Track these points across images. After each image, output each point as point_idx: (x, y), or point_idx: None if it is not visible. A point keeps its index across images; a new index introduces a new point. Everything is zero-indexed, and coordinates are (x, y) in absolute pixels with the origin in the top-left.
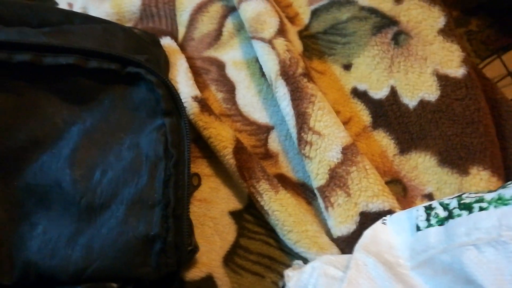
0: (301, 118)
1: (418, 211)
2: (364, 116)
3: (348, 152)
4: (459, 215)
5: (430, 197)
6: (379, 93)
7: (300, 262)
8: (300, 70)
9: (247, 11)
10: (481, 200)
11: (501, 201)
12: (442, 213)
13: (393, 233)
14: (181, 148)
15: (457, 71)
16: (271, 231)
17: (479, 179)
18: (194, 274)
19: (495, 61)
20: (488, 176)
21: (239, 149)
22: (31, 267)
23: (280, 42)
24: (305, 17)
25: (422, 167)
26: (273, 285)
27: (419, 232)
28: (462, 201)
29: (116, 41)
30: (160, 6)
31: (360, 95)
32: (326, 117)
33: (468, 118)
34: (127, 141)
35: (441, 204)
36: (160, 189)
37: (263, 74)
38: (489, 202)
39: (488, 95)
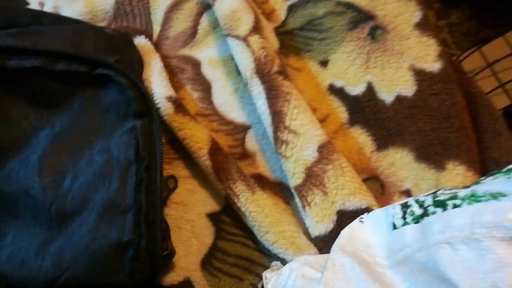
0: (277, 117)
1: (394, 209)
2: (341, 113)
3: (324, 151)
4: (433, 213)
5: (408, 193)
6: (356, 89)
7: (278, 263)
8: (275, 68)
9: (221, 8)
10: (454, 197)
11: (474, 198)
12: (418, 211)
13: (371, 231)
14: (152, 151)
15: (433, 65)
16: (249, 233)
17: (456, 174)
18: (171, 278)
19: (475, 53)
20: (464, 171)
21: (214, 150)
22: (1, 279)
23: (255, 40)
24: (281, 13)
25: (399, 163)
26: (251, 287)
27: (396, 230)
28: (436, 198)
29: (87, 42)
30: (134, 5)
31: (336, 91)
32: (301, 116)
33: (444, 113)
34: (98, 145)
35: (417, 201)
36: (132, 193)
37: (239, 73)
38: (463, 199)
39: (464, 89)
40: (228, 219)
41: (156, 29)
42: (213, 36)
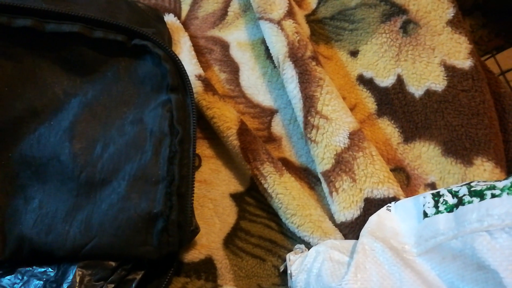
0: (309, 102)
1: (425, 198)
2: (369, 103)
3: (355, 138)
4: (470, 202)
5: (433, 186)
6: (385, 81)
7: (302, 246)
8: (308, 53)
9: None
10: (492, 187)
11: None
12: (451, 200)
13: (399, 219)
14: (186, 125)
15: (464, 62)
16: (272, 215)
17: (483, 170)
18: (193, 255)
19: (489, 61)
20: (492, 168)
21: (243, 130)
22: (25, 242)
23: (289, 24)
24: (312, 2)
25: (425, 156)
26: (273, 268)
27: (427, 218)
28: (472, 189)
29: (120, 13)
30: None
31: (366, 82)
32: (334, 102)
33: (474, 110)
34: (130, 115)
35: (450, 191)
36: (165, 165)
37: (268, 57)
38: (502, 189)
39: (492, 88)
40: (252, 200)
41: (185, 8)
42: (243, 19)
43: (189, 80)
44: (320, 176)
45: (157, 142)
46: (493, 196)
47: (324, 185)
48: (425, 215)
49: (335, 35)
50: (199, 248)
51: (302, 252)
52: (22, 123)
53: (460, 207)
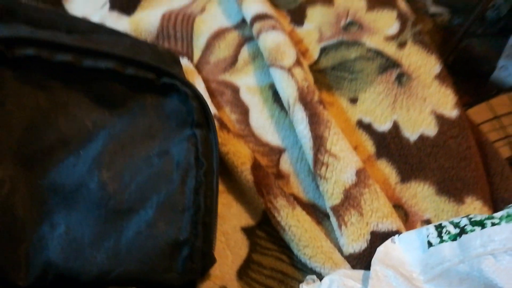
0: (318, 141)
1: (428, 230)
2: (369, 146)
3: (361, 175)
4: (472, 230)
5: (428, 222)
6: (383, 126)
7: (313, 276)
8: (316, 98)
9: (266, 41)
10: (491, 217)
11: (510, 218)
12: (454, 230)
13: (403, 250)
14: (210, 159)
15: (451, 112)
16: (283, 248)
17: (473, 208)
18: (207, 286)
19: None
20: (481, 206)
21: (256, 166)
22: (51, 268)
23: (298, 71)
24: (314, 53)
25: (421, 195)
26: None
27: (432, 248)
28: (472, 219)
29: (143, 54)
30: (178, 29)
31: (365, 127)
32: (341, 142)
33: (462, 154)
34: (157, 148)
35: (451, 222)
36: (191, 195)
37: (275, 101)
38: (500, 219)
39: (475, 137)
40: (263, 234)
41: (197, 53)
42: (252, 66)
43: (212, 118)
44: (329, 210)
45: (183, 173)
46: (493, 224)
47: (333, 219)
48: (430, 244)
49: (336, 84)
50: (213, 279)
51: (314, 282)
52: (52, 152)
53: (464, 235)
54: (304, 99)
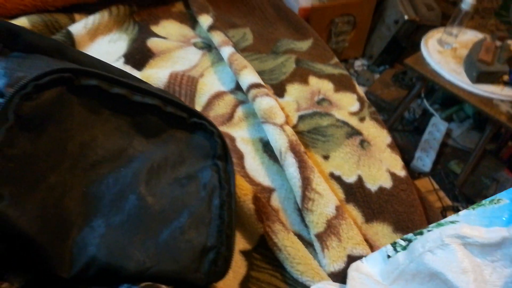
0: (306, 181)
1: (386, 247)
2: (339, 193)
3: (340, 210)
4: (415, 239)
5: None
6: (350, 178)
7: None
8: (302, 149)
9: (262, 104)
10: (427, 228)
11: (439, 224)
12: (403, 243)
13: (370, 266)
14: (229, 184)
15: (401, 172)
16: (277, 267)
17: None
18: None
19: None
20: None
21: (256, 197)
22: (94, 263)
23: (288, 128)
24: (294, 119)
25: (381, 233)
26: None
27: (390, 258)
28: (416, 232)
29: (174, 98)
30: (183, 86)
31: (335, 178)
32: (323, 183)
33: (410, 203)
34: (186, 172)
35: (402, 239)
36: (217, 210)
37: (264, 151)
38: (432, 227)
39: (417, 193)
40: (259, 256)
41: (198, 109)
42: (245, 122)
43: (230, 153)
44: (313, 237)
45: (210, 193)
46: (428, 231)
47: (317, 244)
48: (388, 257)
49: (311, 144)
50: None
51: None
52: (99, 166)
53: (410, 244)
54: (294, 148)
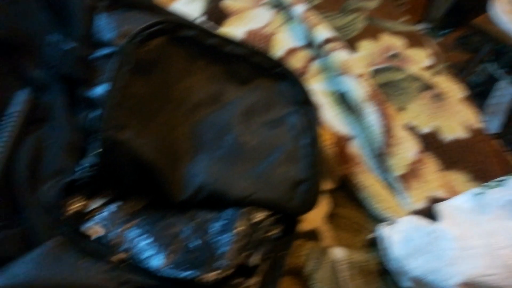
0: (387, 127)
1: (471, 190)
2: (414, 145)
3: (420, 155)
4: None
5: None
6: (425, 129)
7: (384, 224)
8: (382, 98)
9: (339, 56)
10: None
11: None
12: (493, 184)
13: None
14: (314, 128)
15: (477, 124)
16: (358, 206)
17: None
18: (302, 227)
19: None
20: None
21: (336, 142)
22: (202, 189)
23: (366, 78)
24: (367, 73)
25: (460, 181)
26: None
27: (480, 195)
28: (498, 180)
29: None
30: (258, 44)
31: (411, 129)
32: (402, 131)
33: (488, 154)
34: (274, 115)
35: (485, 185)
36: (305, 148)
37: (340, 102)
38: None
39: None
40: (342, 194)
41: None
42: (318, 76)
43: (313, 99)
44: (394, 179)
45: (298, 133)
46: None
47: (398, 185)
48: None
49: (386, 96)
50: (305, 223)
51: (390, 224)
52: (199, 108)
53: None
54: (374, 97)
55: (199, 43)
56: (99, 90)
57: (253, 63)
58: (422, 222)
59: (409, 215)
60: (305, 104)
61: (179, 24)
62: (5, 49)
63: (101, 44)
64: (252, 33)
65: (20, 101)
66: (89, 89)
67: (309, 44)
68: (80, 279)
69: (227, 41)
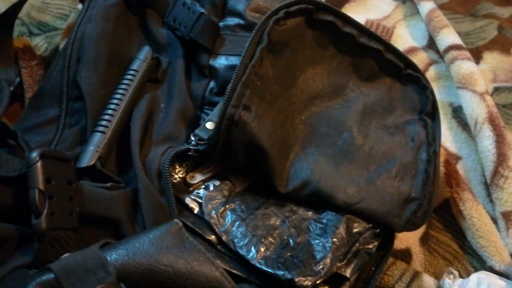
0: (502, 157)
1: None
2: None
3: None
4: None
5: None
6: None
7: (454, 271)
8: (502, 123)
9: (462, 67)
10: None
11: None
12: None
13: None
14: (436, 143)
15: None
16: (456, 233)
17: None
18: (396, 245)
19: None
20: None
21: (447, 161)
22: (307, 185)
23: (489, 98)
24: (488, 89)
25: None
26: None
27: None
28: None
29: None
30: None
31: None
32: None
33: None
34: (394, 121)
35: None
36: (423, 164)
37: (453, 116)
38: None
39: None
40: (438, 217)
41: None
42: (436, 83)
43: (439, 111)
44: (499, 215)
45: (417, 146)
46: None
47: (502, 222)
48: None
49: (506, 119)
50: (400, 240)
51: (455, 277)
52: (318, 99)
53: None
54: (493, 121)
55: (335, 30)
56: (224, 61)
57: (384, 60)
58: (498, 281)
59: (482, 273)
60: (430, 115)
61: (319, 6)
62: (138, 2)
63: (232, 13)
64: (370, 23)
65: (142, 57)
66: (212, 58)
67: (430, 45)
68: (198, 271)
69: (365, 31)
